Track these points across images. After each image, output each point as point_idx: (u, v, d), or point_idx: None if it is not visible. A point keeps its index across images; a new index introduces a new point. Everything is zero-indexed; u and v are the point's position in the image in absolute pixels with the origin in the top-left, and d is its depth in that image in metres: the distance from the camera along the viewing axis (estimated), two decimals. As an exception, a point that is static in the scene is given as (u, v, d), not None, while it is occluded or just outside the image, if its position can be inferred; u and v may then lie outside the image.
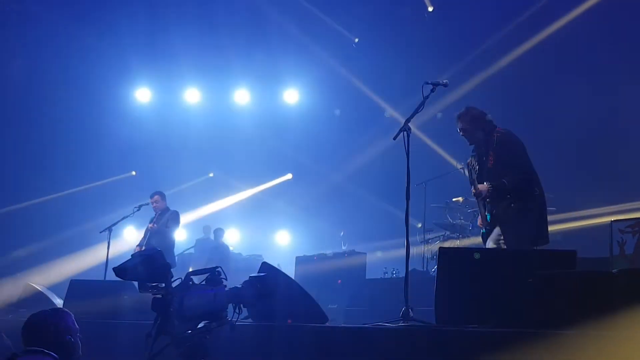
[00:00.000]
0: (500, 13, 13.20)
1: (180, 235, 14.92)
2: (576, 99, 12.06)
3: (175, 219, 10.82)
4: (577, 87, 11.96)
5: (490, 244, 6.67)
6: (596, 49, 12.04)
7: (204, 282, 3.69)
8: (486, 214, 6.72)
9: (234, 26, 14.91)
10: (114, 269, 3.64)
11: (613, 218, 8.13)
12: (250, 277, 3.85)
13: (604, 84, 11.75)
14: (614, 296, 3.99)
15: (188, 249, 13.98)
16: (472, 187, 6.81)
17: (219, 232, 14.09)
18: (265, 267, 6.18)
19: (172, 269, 3.78)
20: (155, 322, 3.53)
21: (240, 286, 3.73)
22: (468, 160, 7.08)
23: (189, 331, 3.52)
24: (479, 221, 6.99)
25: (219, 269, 3.71)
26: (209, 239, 14.24)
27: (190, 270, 4.32)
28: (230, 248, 14.28)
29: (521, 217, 6.49)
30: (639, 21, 11.74)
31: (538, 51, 12.67)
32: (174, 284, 3.62)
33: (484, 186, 6.60)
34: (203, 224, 14.86)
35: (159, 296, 3.56)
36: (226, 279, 3.70)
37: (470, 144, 6.92)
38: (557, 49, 12.49)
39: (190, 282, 3.64)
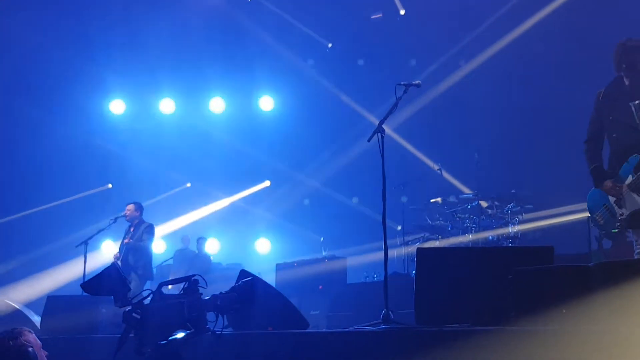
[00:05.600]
0: (471, 13, 13.27)
1: (159, 247, 14.81)
2: (554, 95, 12.14)
3: (150, 231, 10.73)
4: (556, 83, 12.02)
5: None
6: (572, 44, 12.10)
7: (182, 292, 3.68)
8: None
9: (208, 35, 14.88)
10: (81, 286, 3.70)
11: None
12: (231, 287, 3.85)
13: (581, 81, 11.78)
14: (591, 290, 3.99)
15: (166, 260, 13.86)
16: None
17: (201, 241, 13.99)
18: (244, 274, 6.13)
19: (149, 281, 3.82)
20: (123, 334, 3.56)
21: (219, 294, 3.72)
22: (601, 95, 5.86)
23: (163, 342, 3.51)
24: (608, 185, 5.71)
25: (197, 277, 3.70)
26: (188, 249, 14.13)
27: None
28: (211, 257, 14.18)
29: None
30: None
31: (517, 47, 12.69)
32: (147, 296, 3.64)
33: None
34: (181, 235, 14.75)
35: (129, 308, 3.58)
36: (205, 287, 3.69)
37: (631, 82, 5.71)
38: (535, 46, 12.51)
39: (163, 292, 3.65)
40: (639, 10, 10.86)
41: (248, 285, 3.83)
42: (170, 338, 3.54)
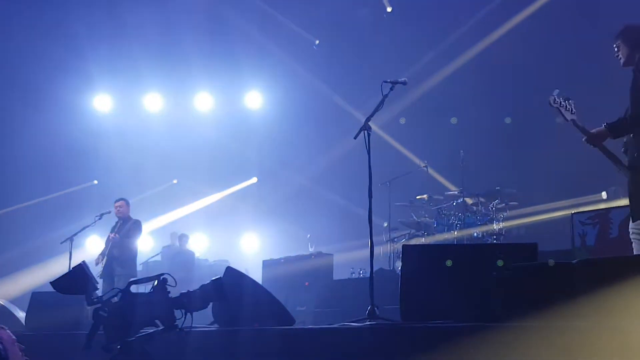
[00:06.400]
0: (457, 11, 13.32)
1: (147, 243, 14.77)
2: (539, 93, 12.20)
3: (137, 228, 10.61)
4: (541, 81, 12.09)
5: None
6: (558, 42, 12.19)
7: (151, 290, 3.76)
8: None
9: (195, 31, 14.77)
10: (51, 284, 3.79)
11: (574, 211, 8.26)
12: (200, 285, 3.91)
13: (567, 79, 11.88)
14: (574, 286, 4.03)
15: (154, 256, 13.83)
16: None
17: (183, 238, 13.97)
18: (230, 271, 6.13)
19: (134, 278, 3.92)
20: (90, 331, 3.65)
21: (186, 292, 3.79)
22: None
23: (131, 339, 3.61)
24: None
25: (166, 275, 3.78)
26: (175, 245, 14.10)
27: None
28: (197, 254, 14.14)
29: None
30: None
31: (503, 45, 12.74)
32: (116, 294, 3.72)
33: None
34: (169, 231, 14.71)
35: (99, 305, 3.68)
36: (174, 286, 3.76)
37: (623, 66, 5.54)
38: (521, 44, 12.57)
39: (131, 291, 3.74)
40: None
41: (217, 283, 3.88)
42: (137, 335, 3.62)
